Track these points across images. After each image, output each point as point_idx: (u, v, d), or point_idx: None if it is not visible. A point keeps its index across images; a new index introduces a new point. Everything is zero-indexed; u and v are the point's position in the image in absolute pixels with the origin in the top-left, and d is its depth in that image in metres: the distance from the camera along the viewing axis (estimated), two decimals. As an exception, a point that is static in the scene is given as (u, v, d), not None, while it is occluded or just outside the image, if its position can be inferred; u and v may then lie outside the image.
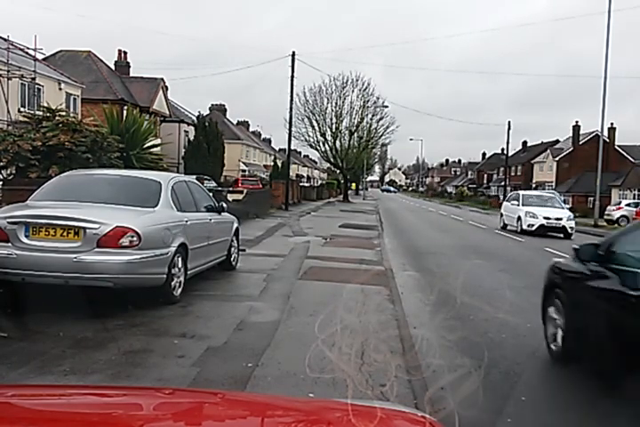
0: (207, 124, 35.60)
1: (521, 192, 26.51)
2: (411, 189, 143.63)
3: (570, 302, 5.38)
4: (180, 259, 7.02)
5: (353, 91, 50.80)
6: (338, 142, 52.47)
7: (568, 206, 28.08)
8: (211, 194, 9.71)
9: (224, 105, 65.44)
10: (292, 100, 33.04)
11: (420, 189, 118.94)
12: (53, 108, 13.66)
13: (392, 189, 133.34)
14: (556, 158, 62.18)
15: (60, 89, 27.69)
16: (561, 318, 5.46)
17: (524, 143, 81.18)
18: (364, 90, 50.96)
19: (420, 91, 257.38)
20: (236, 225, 9.86)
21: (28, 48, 24.92)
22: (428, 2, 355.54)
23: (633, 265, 4.59)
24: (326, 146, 52.55)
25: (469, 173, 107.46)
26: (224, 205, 9.25)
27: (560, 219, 21.96)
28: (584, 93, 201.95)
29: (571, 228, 22.00)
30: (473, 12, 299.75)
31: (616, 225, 30.92)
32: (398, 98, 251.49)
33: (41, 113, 13.80)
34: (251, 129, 77.91)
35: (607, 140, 46.58)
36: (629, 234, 5.26)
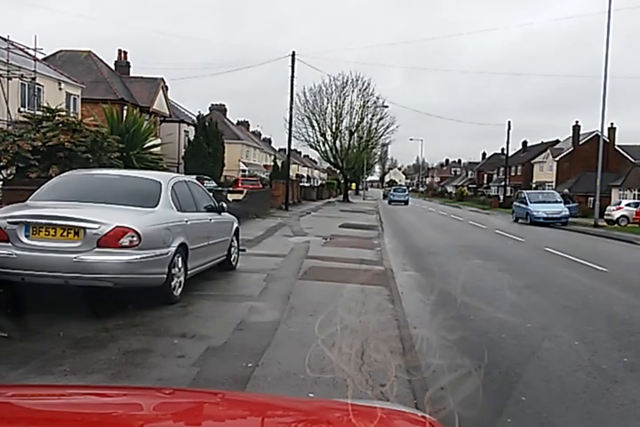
0: (207, 124, 35.60)
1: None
2: (411, 189, 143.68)
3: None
4: (180, 259, 7.02)
5: (353, 91, 50.97)
6: (338, 142, 52.59)
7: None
8: (211, 194, 9.71)
9: (224, 105, 65.41)
10: (292, 100, 33.07)
11: (420, 189, 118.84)
12: (53, 108, 13.63)
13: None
14: (556, 158, 62.15)
15: (60, 89, 27.69)
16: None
17: (524, 143, 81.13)
18: (364, 90, 51.10)
19: (420, 91, 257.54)
20: (235, 225, 9.86)
21: (28, 48, 24.93)
22: (430, 5, 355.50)
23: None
24: (326, 146, 52.68)
25: (469, 173, 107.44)
26: (224, 205, 9.25)
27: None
28: (584, 94, 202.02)
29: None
30: (475, 16, 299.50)
31: (616, 225, 30.93)
32: (398, 98, 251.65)
33: (41, 113, 13.77)
34: (251, 129, 77.89)
35: (607, 141, 46.51)
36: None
